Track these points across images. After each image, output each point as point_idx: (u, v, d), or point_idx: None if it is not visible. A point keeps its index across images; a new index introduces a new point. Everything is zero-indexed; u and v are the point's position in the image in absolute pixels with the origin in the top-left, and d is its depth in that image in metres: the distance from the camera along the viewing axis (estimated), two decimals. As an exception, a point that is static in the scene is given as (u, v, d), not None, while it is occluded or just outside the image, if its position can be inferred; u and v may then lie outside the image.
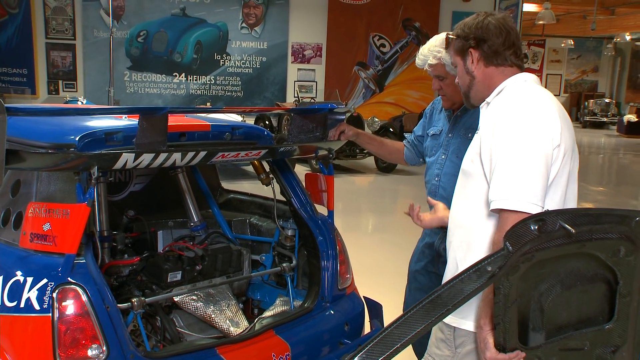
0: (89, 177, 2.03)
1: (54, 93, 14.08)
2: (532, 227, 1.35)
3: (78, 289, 2.05)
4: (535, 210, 1.59)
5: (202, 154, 2.25)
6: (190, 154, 2.21)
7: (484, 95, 1.86)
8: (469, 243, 1.80)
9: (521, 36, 16.82)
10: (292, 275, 2.94)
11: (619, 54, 25.56)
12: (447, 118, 2.66)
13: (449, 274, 1.92)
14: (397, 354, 1.39)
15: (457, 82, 2.00)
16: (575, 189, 1.82)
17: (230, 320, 2.69)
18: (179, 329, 2.67)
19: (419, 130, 2.86)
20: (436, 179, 2.63)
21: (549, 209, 1.64)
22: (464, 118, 2.58)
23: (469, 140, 2.47)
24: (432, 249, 2.70)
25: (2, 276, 2.14)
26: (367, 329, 2.89)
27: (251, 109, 4.57)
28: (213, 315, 2.67)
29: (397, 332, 1.36)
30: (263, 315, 2.74)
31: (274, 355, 2.41)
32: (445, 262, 1.95)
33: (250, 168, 10.65)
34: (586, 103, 24.78)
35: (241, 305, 2.92)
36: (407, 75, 15.22)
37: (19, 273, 2.11)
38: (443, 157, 2.61)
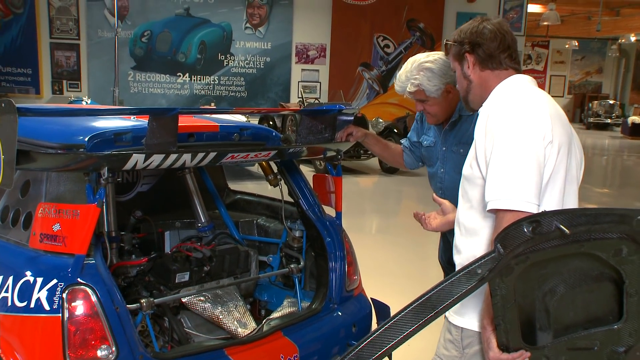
0: (98, 178, 2.03)
1: (58, 93, 14.09)
2: (526, 229, 1.34)
3: (88, 289, 2.05)
4: (530, 208, 1.58)
5: (212, 154, 2.25)
6: (200, 155, 2.21)
7: (482, 99, 1.89)
8: (475, 247, 1.79)
9: (525, 37, 16.79)
10: (299, 276, 2.94)
11: (623, 55, 25.51)
12: (438, 130, 2.66)
13: None
14: (385, 356, 1.41)
15: (457, 87, 2.03)
16: (575, 189, 1.81)
17: (238, 321, 2.68)
18: (187, 330, 2.67)
19: (413, 137, 2.86)
20: (440, 191, 2.65)
21: (547, 210, 1.63)
22: (453, 132, 2.58)
23: (461, 156, 2.48)
24: (448, 244, 2.71)
25: (12, 276, 2.14)
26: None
27: (260, 110, 4.58)
28: (221, 316, 2.67)
29: (387, 334, 1.37)
30: (271, 317, 2.74)
31: (282, 357, 2.41)
32: None
33: (254, 168, 10.67)
34: (590, 104, 24.72)
35: (248, 307, 2.91)
36: (411, 76, 15.17)
37: (28, 273, 2.11)
38: (442, 170, 2.62)
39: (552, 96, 1.88)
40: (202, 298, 2.71)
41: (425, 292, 1.37)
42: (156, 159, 2.09)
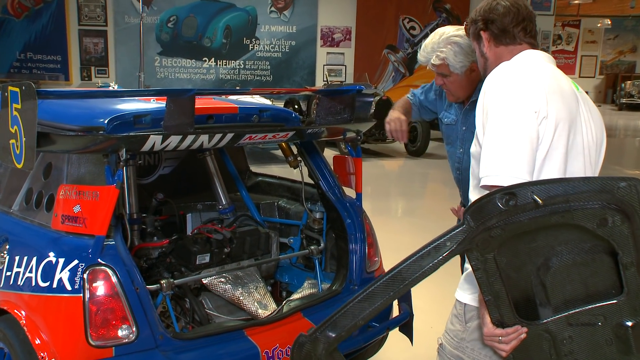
0: (117, 159, 2.05)
1: (86, 79, 14.30)
2: (498, 201, 1.31)
3: (108, 270, 2.08)
4: None
5: (229, 135, 2.25)
6: (218, 136, 2.21)
7: None
8: None
9: (555, 17, 16.35)
10: (320, 258, 2.94)
11: (659, 33, 24.79)
12: (459, 109, 2.59)
13: None
14: (358, 327, 1.46)
15: (478, 66, 2.01)
16: (581, 164, 1.75)
17: (259, 302, 2.70)
18: (208, 311, 2.69)
19: (422, 95, 2.77)
20: (457, 172, 2.61)
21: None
22: (474, 112, 2.50)
23: None
24: None
25: (35, 257, 2.18)
26: (395, 312, 2.88)
27: (278, 91, 4.61)
28: (241, 298, 2.69)
29: (359, 306, 1.41)
30: (291, 298, 2.75)
31: (301, 338, 2.42)
32: None
33: (279, 152, 10.71)
34: (623, 85, 24.09)
35: (269, 288, 2.93)
36: (438, 57, 14.97)
37: (51, 254, 2.15)
38: (461, 150, 2.56)
39: (583, 77, 1.83)
40: (222, 279, 2.73)
41: (396, 265, 1.38)
42: (174, 140, 2.10)
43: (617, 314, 1.47)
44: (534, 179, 1.60)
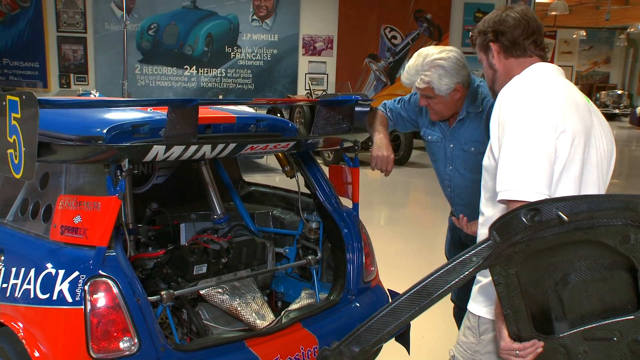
0: (119, 170, 2.03)
1: (65, 86, 14.12)
2: (524, 217, 1.32)
3: (109, 281, 2.05)
4: (539, 198, 1.55)
5: (232, 146, 2.24)
6: (220, 146, 2.21)
7: None
8: None
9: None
10: (317, 268, 2.93)
11: (631, 44, 25.31)
12: (445, 127, 2.59)
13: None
14: (382, 342, 1.46)
15: (485, 78, 2.01)
16: (595, 177, 1.77)
17: (257, 313, 2.69)
18: (205, 322, 2.67)
19: (403, 111, 2.74)
20: (449, 189, 2.62)
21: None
22: (461, 130, 2.51)
23: (472, 154, 2.43)
24: (459, 240, 2.69)
25: (33, 269, 2.14)
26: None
27: (275, 101, 4.59)
28: (239, 308, 2.67)
29: (384, 320, 1.40)
30: (290, 308, 2.74)
31: (302, 348, 2.41)
32: None
33: (262, 160, 10.66)
34: (598, 95, 24.56)
35: (266, 298, 2.92)
36: (419, 67, 15.09)
37: (50, 265, 2.11)
38: (450, 168, 2.57)
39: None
40: (220, 290, 2.71)
41: (422, 280, 1.37)
42: (176, 150, 2.08)
43: (633, 330, 1.48)
44: (551, 192, 1.62)
